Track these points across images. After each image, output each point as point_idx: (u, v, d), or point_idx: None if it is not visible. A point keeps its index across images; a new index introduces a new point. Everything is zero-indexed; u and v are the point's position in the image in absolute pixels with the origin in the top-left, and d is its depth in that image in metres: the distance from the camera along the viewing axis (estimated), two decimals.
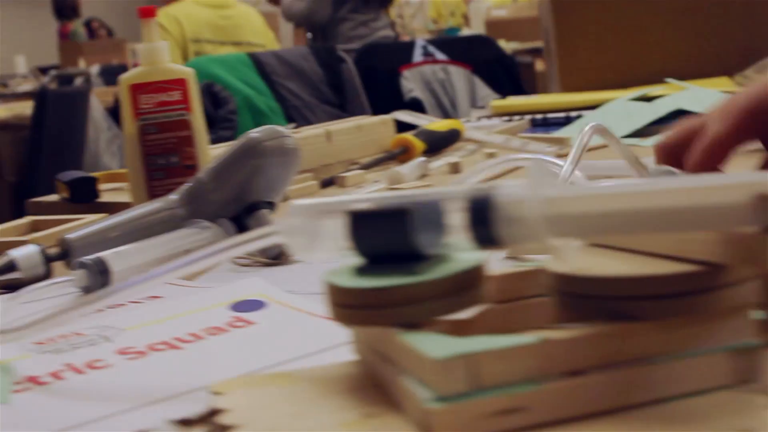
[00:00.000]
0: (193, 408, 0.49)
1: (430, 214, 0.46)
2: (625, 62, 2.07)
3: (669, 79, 1.77)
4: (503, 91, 3.23)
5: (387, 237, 0.47)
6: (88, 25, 8.28)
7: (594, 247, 0.50)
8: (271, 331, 0.64)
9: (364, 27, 3.88)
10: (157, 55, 1.06)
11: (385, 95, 3.06)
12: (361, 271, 0.48)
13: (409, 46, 3.31)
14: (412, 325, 0.45)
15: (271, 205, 0.91)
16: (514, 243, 0.45)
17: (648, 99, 1.67)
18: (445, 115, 3.13)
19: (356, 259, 0.49)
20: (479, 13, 7.93)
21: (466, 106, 3.21)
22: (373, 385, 0.48)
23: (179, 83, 1.05)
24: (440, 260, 0.47)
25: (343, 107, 2.79)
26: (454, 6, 9.27)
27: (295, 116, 2.62)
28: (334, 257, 0.50)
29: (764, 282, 0.44)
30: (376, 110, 2.83)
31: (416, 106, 3.07)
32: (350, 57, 3.15)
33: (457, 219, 0.46)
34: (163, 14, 3.44)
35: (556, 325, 0.48)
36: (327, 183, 1.27)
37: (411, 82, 3.15)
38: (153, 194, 1.02)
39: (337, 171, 1.32)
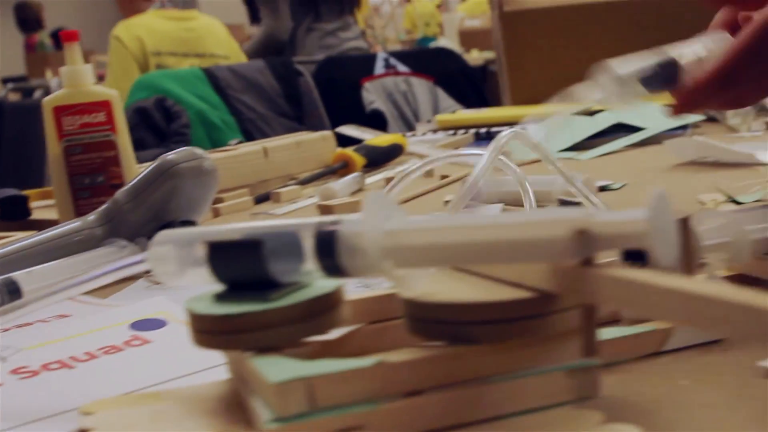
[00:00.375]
0: (66, 428, 0.51)
1: (284, 245, 0.49)
2: (574, 75, 2.06)
3: None
4: (467, 102, 3.26)
5: (243, 266, 0.49)
6: (55, 35, 8.26)
7: (450, 272, 0.53)
8: (166, 350, 0.66)
9: (332, 37, 3.89)
10: (81, 77, 1.08)
11: (346, 107, 3.08)
12: (221, 297, 0.50)
13: (371, 59, 3.33)
14: (271, 348, 0.48)
15: (191, 224, 0.94)
16: (359, 272, 0.48)
17: (590, 113, 1.70)
18: (408, 126, 3.15)
19: (220, 286, 0.51)
20: (453, 23, 7.95)
21: (429, 118, 3.23)
22: (237, 404, 0.51)
23: (103, 105, 1.07)
24: (296, 288, 0.50)
25: (300, 120, 2.82)
26: (429, 16, 9.29)
27: (251, 129, 2.64)
28: (203, 284, 0.52)
29: (584, 310, 0.46)
30: (337, 122, 2.84)
31: (377, 117, 3.10)
32: (311, 69, 3.17)
33: (308, 249, 0.49)
34: (123, 28, 3.45)
35: (419, 345, 0.50)
36: (261, 199, 1.29)
37: (372, 94, 3.17)
38: (80, 213, 1.04)
39: (274, 186, 1.34)
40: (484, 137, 1.76)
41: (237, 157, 1.33)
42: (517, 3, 2.18)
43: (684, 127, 1.62)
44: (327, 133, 1.55)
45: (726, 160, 1.28)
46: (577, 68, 2.12)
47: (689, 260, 0.60)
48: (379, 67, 3.30)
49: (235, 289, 0.50)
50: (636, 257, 0.48)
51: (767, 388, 0.51)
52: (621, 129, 1.62)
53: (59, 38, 3.89)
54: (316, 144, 1.50)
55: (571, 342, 0.47)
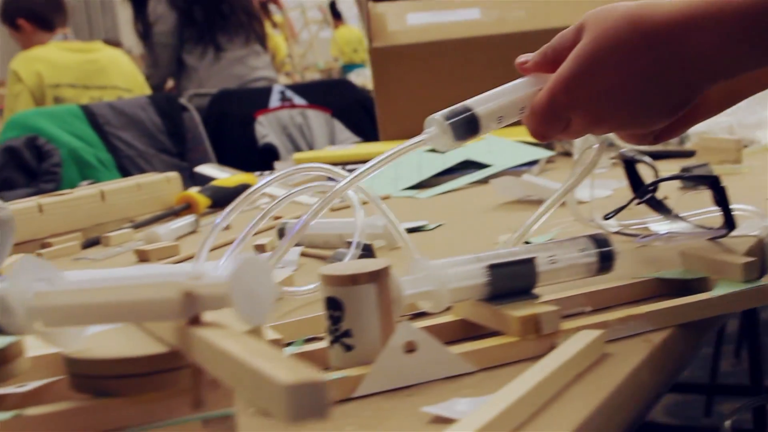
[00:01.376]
0: None
1: None
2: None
3: None
4: (365, 134, 3.29)
5: None
6: None
7: (129, 327, 0.57)
8: None
9: (242, 66, 3.87)
10: None
11: (239, 142, 3.11)
12: None
13: (267, 92, 3.36)
14: None
15: None
16: (14, 331, 0.52)
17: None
18: None
19: None
20: None
21: None
22: None
23: None
24: None
25: (183, 156, 2.84)
26: (357, 42, 9.35)
27: (128, 167, 2.66)
28: None
29: (192, 366, 0.50)
30: (229, 157, 2.87)
31: (270, 151, 3.13)
32: (205, 102, 3.20)
33: None
34: (22, 60, 3.44)
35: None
36: (90, 243, 1.32)
37: (266, 128, 3.20)
38: None
39: (111, 230, 1.37)
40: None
41: (70, 201, 1.36)
42: (386, 39, 2.22)
43: (532, 163, 1.65)
44: (172, 175, 1.57)
45: (547, 198, 1.32)
46: (444, 103, 2.17)
47: (385, 309, 0.65)
48: (274, 100, 3.33)
49: None
50: None
51: None
52: (470, 166, 1.66)
53: None
54: (159, 186, 1.53)
55: (211, 394, 0.51)
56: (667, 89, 0.80)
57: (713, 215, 0.98)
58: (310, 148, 3.31)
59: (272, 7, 6.71)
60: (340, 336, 0.65)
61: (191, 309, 0.47)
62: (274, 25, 6.74)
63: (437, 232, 1.21)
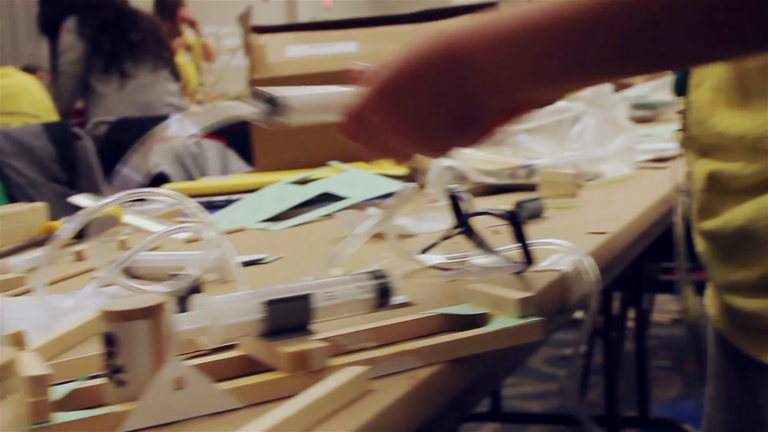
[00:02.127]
0: None
1: None
2: (317, 144, 2.15)
3: (332, 162, 1.86)
4: None
5: None
6: None
7: None
8: None
9: (149, 93, 3.87)
10: None
11: None
12: None
13: (164, 120, 3.36)
14: None
15: None
16: None
17: (301, 182, 1.78)
18: None
19: None
20: None
21: None
22: None
23: None
24: None
25: (73, 185, 2.85)
26: None
27: (17, 195, 2.66)
28: None
29: None
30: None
31: (163, 180, 3.15)
32: (103, 130, 3.22)
33: None
34: None
35: None
36: None
37: (160, 157, 3.22)
38: None
39: None
40: (205, 206, 1.79)
41: None
42: (265, 70, 2.26)
43: (389, 195, 1.69)
44: (38, 205, 1.59)
45: (387, 231, 1.37)
46: (319, 135, 2.20)
47: (158, 345, 0.68)
48: (171, 130, 3.34)
49: None
50: None
51: None
52: (330, 198, 1.69)
53: None
54: (25, 216, 1.55)
55: None
56: (450, 100, 0.86)
57: (534, 248, 1.03)
58: (203, 177, 3.33)
59: (189, 32, 6.72)
60: (113, 371, 0.68)
61: None
62: (189, 48, 6.73)
63: (274, 266, 1.24)
